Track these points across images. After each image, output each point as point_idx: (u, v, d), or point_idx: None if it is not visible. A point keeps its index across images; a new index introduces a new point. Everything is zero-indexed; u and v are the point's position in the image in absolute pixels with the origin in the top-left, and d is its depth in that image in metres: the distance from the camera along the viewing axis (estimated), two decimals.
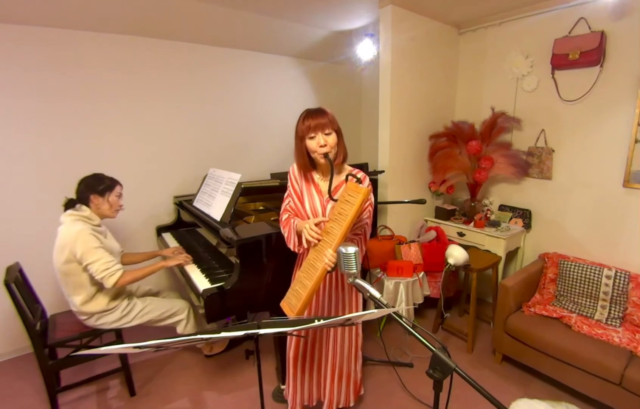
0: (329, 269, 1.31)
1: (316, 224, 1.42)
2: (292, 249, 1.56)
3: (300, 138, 1.49)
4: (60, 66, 2.41)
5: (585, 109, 2.47)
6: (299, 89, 3.66)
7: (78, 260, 1.87)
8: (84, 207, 1.97)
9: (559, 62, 2.49)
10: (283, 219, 1.61)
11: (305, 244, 1.44)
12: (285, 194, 1.64)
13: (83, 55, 2.48)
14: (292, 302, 1.40)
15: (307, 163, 1.53)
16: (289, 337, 1.75)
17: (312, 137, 1.45)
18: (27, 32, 2.27)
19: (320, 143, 1.43)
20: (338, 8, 2.67)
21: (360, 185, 1.34)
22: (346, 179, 1.44)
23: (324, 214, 1.53)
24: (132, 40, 2.64)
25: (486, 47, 2.98)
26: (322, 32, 3.19)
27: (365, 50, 3.22)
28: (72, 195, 2.02)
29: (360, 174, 1.50)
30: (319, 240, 1.38)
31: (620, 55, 2.27)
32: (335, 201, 1.45)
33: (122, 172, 2.74)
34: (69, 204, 1.98)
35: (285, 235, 1.58)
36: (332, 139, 1.45)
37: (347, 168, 1.58)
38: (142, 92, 2.75)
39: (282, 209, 1.64)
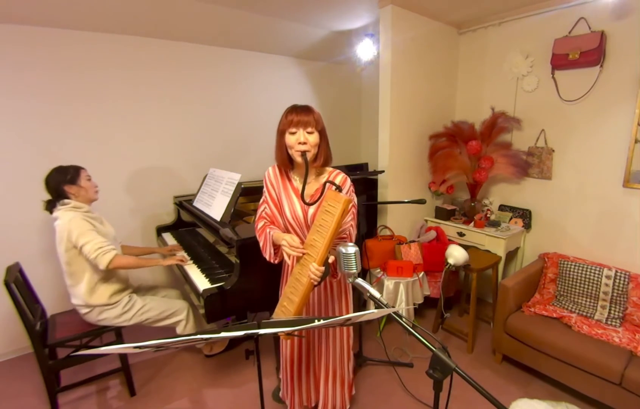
0: (315, 283, 1.29)
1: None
2: (267, 259, 1.52)
3: (281, 132, 1.43)
4: (61, 66, 2.41)
5: (585, 109, 2.47)
6: (299, 89, 3.66)
7: (74, 244, 1.88)
8: (65, 200, 1.96)
9: (559, 62, 2.49)
10: (258, 227, 1.55)
11: (287, 260, 1.41)
12: (261, 201, 1.57)
13: (83, 56, 2.48)
14: (281, 318, 1.39)
15: (286, 159, 1.47)
16: (282, 340, 1.73)
17: (292, 133, 1.38)
18: (27, 32, 2.27)
19: (300, 140, 1.37)
20: (338, 8, 2.67)
21: (340, 193, 1.30)
22: (324, 185, 1.38)
23: (305, 219, 1.48)
24: (132, 40, 2.64)
25: (486, 47, 2.98)
26: (322, 32, 3.19)
27: (365, 50, 3.22)
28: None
29: (339, 178, 1.45)
30: (302, 254, 1.35)
31: (620, 55, 2.27)
32: (308, 204, 1.41)
33: (122, 172, 2.77)
34: (50, 205, 1.98)
35: (261, 244, 1.52)
36: (313, 138, 1.39)
37: (328, 171, 1.52)
38: (142, 92, 2.75)
39: (257, 215, 1.58)
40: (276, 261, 1.53)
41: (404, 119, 2.85)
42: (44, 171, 2.44)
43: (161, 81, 2.82)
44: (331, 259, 1.32)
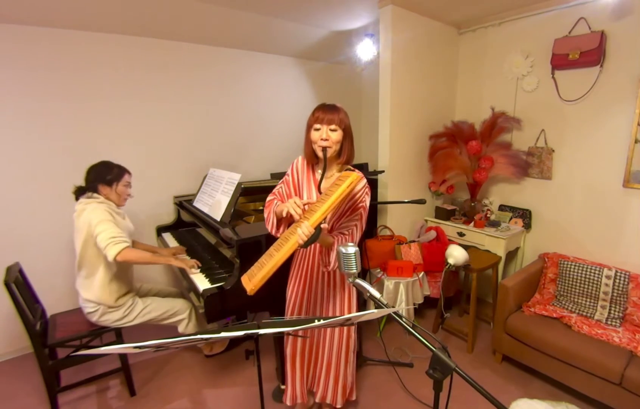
0: (300, 242, 1.23)
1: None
2: (269, 231, 1.52)
3: (308, 127, 1.51)
4: (61, 66, 2.41)
5: (585, 109, 2.47)
6: (299, 89, 3.66)
7: (91, 232, 1.89)
8: (94, 194, 2.00)
9: (559, 62, 2.49)
10: (267, 200, 1.60)
11: (284, 214, 1.40)
12: (280, 181, 1.64)
13: (83, 55, 2.48)
14: (254, 271, 1.31)
15: (311, 153, 1.54)
16: (285, 335, 1.74)
17: (317, 129, 1.47)
18: (27, 32, 2.27)
19: (323, 136, 1.45)
20: (338, 8, 2.67)
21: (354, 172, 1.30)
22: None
23: None
24: (132, 40, 2.64)
25: (486, 47, 2.98)
26: (322, 32, 3.19)
27: (365, 50, 3.22)
28: (73, 197, 2.04)
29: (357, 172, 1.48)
30: (300, 215, 1.32)
31: (620, 55, 2.27)
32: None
33: None
34: (79, 192, 2.02)
35: (265, 216, 1.55)
36: (335, 135, 1.46)
37: (350, 170, 1.55)
38: (142, 92, 2.75)
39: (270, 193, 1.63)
40: (278, 235, 1.51)
41: (404, 119, 2.85)
42: (44, 170, 2.46)
43: (161, 81, 2.82)
44: (324, 226, 1.29)
